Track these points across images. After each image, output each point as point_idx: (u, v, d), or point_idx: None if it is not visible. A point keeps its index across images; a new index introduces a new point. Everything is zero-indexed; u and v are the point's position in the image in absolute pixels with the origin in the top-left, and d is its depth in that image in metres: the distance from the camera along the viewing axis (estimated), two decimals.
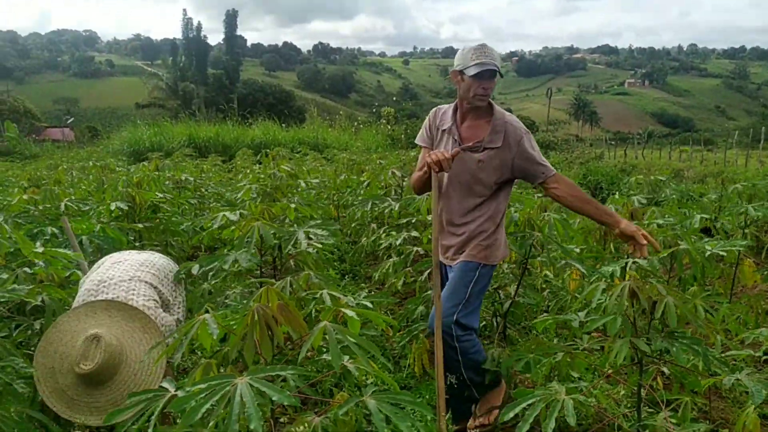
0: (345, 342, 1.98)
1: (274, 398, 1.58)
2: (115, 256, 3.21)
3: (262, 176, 6.21)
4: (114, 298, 2.75)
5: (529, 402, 2.05)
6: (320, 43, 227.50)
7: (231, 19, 72.86)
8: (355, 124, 28.10)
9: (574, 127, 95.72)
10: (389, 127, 25.72)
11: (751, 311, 4.17)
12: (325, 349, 2.37)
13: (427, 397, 3.66)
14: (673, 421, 3.11)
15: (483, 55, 2.82)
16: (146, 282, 2.96)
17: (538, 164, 2.96)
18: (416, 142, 3.30)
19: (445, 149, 2.97)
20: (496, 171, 2.97)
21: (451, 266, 3.13)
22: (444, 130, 3.08)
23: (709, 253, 3.82)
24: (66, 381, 2.44)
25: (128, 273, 2.95)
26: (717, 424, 3.47)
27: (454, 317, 2.90)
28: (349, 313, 2.13)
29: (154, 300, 2.92)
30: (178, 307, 3.17)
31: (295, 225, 3.84)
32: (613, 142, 42.68)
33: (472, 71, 2.82)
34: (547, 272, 4.72)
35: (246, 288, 3.69)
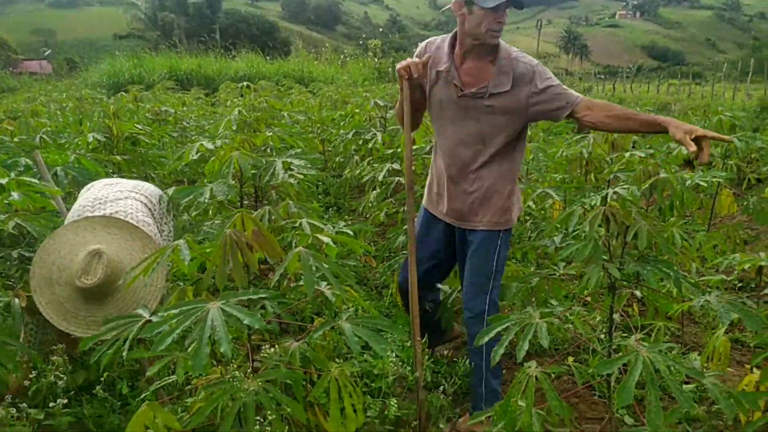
0: (321, 269, 1.99)
1: (245, 321, 1.59)
2: (105, 180, 3.18)
3: (243, 108, 6.10)
4: (113, 213, 2.71)
5: (504, 326, 2.07)
6: None
7: None
8: (342, 56, 27.64)
9: (563, 60, 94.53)
10: (376, 59, 25.31)
11: (729, 240, 4.23)
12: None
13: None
14: (646, 344, 3.19)
15: None
16: (142, 202, 2.94)
17: (558, 95, 2.54)
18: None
19: (443, 94, 2.65)
20: (508, 119, 2.60)
21: (461, 229, 2.81)
22: (439, 72, 2.64)
23: (689, 183, 3.84)
24: (64, 293, 2.44)
25: (123, 193, 2.93)
26: (689, 348, 3.57)
27: (487, 297, 2.70)
28: (325, 239, 2.13)
29: (152, 218, 2.91)
30: (167, 235, 3.15)
31: (276, 156, 3.80)
32: (602, 76, 42.33)
33: (489, 3, 2.40)
34: (530, 203, 4.74)
35: (227, 219, 3.68)
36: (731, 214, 6.10)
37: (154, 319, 1.77)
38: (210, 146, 3.65)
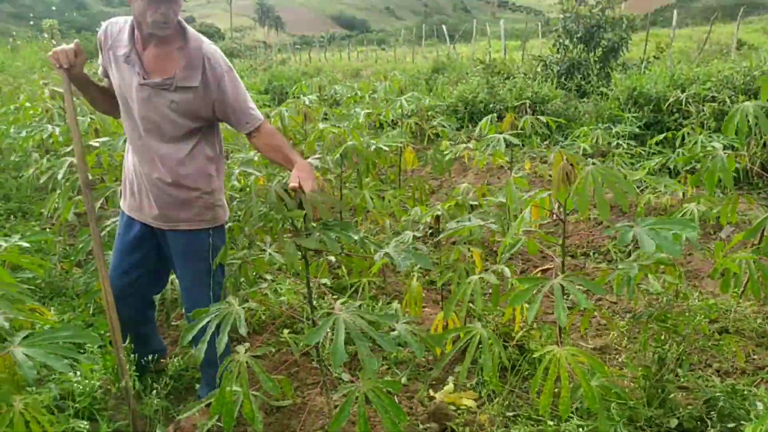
0: None
1: None
2: None
3: None
4: None
5: (206, 321, 2.02)
6: None
7: None
8: (11, 39, 24.27)
9: (260, 33, 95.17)
10: (54, 42, 22.72)
11: (416, 192, 4.70)
12: None
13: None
14: (353, 302, 3.42)
15: None
16: None
17: (242, 113, 2.42)
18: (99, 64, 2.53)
19: (124, 81, 2.36)
20: (195, 114, 2.40)
21: (162, 231, 2.55)
22: (120, 56, 2.35)
23: (374, 147, 4.15)
24: None
25: None
26: (392, 297, 3.91)
27: (212, 303, 2.40)
28: None
29: None
30: None
31: None
32: (298, 47, 43.58)
33: None
34: (234, 182, 4.71)
35: None
36: (418, 168, 6.80)
37: None
38: None
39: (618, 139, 6.61)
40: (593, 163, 2.08)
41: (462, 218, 2.91)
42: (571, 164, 2.13)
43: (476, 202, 3.75)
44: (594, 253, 4.73)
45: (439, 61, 15.46)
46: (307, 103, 5.41)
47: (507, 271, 2.65)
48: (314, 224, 2.09)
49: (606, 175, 2.03)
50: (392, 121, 6.37)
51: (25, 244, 2.61)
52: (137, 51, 2.34)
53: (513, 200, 2.65)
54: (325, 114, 5.68)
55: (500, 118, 6.70)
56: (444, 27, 22.06)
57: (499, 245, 3.44)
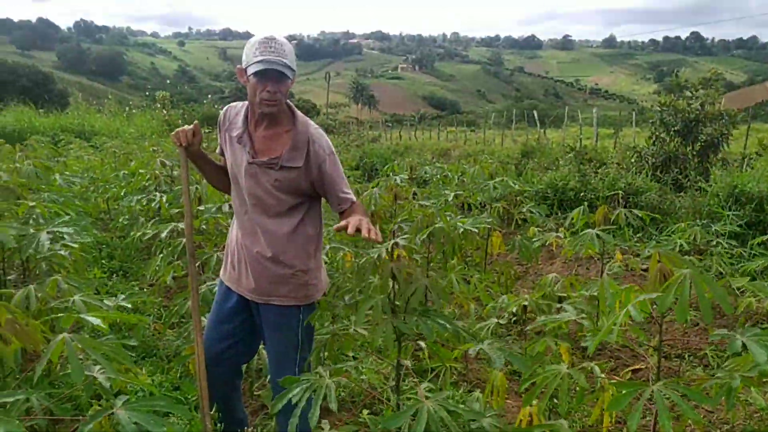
0: (91, 353, 1.85)
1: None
2: None
3: (6, 172, 5.52)
4: None
5: (296, 391, 2.07)
6: (83, 20, 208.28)
7: None
8: (127, 108, 26.30)
9: (354, 110, 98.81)
10: (165, 112, 24.45)
11: (501, 277, 4.66)
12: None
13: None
14: (433, 386, 3.38)
15: (268, 50, 2.31)
16: None
17: (336, 196, 2.52)
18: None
19: (236, 160, 2.53)
20: (296, 191, 2.52)
21: (256, 304, 2.64)
22: (234, 137, 2.53)
23: (462, 229, 4.18)
24: None
25: None
26: (473, 385, 3.83)
27: (296, 369, 2.56)
28: (93, 320, 1.98)
29: None
30: None
31: (45, 223, 3.49)
32: (390, 124, 44.92)
33: (252, 69, 2.31)
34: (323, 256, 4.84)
35: None
36: (504, 253, 6.75)
37: None
38: None
39: (717, 237, 6.35)
40: (691, 261, 2.03)
41: (551, 310, 2.87)
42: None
43: (564, 294, 3.68)
44: (689, 356, 4.49)
45: (529, 145, 15.52)
46: (397, 182, 5.54)
47: (597, 370, 2.57)
48: (415, 308, 2.12)
49: (704, 281, 1.97)
50: (480, 203, 6.40)
51: (128, 305, 2.78)
52: (249, 132, 2.50)
53: (605, 296, 2.59)
54: (415, 193, 5.79)
55: (590, 207, 6.62)
56: (535, 111, 22.23)
57: (587, 340, 3.34)
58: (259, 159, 2.47)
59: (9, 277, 3.61)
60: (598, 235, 4.00)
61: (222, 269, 2.79)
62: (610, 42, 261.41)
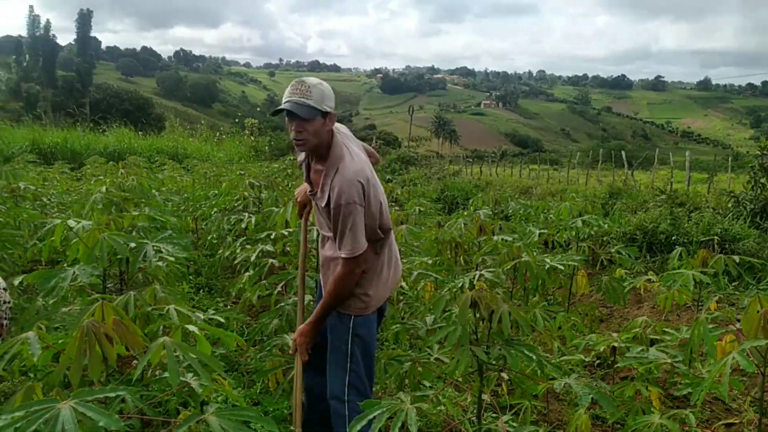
0: (186, 359, 1.91)
1: (100, 423, 1.47)
2: None
3: (110, 186, 5.85)
4: None
5: (375, 414, 2.07)
6: (182, 49, 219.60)
7: (85, 19, 68.38)
8: (218, 134, 27.44)
9: (435, 143, 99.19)
10: (253, 138, 25.35)
11: (586, 318, 4.52)
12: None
13: (286, 411, 3.60)
14: (514, 424, 3.29)
15: (294, 92, 2.46)
16: None
17: (339, 241, 2.58)
18: None
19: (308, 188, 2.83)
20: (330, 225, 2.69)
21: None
22: (301, 165, 2.84)
23: (548, 266, 4.09)
24: None
25: None
26: (554, 426, 3.70)
27: (345, 386, 2.66)
28: (194, 329, 2.04)
29: None
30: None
31: (146, 236, 3.66)
32: (470, 159, 44.74)
33: (272, 109, 2.54)
34: (403, 284, 4.83)
35: (87, 305, 3.46)
36: (587, 293, 6.54)
37: None
38: (74, 225, 3.45)
39: None
40: None
41: (641, 350, 2.75)
42: None
43: (656, 337, 3.52)
44: None
45: (615, 186, 15.09)
46: (481, 215, 5.50)
47: (692, 418, 2.44)
48: (499, 337, 2.09)
49: None
50: (566, 242, 6.26)
51: (221, 319, 2.86)
52: (308, 162, 2.73)
53: (700, 341, 2.47)
54: (500, 227, 5.72)
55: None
56: (623, 152, 21.62)
57: (681, 388, 3.17)
58: (311, 190, 2.73)
59: (108, 285, 3.81)
60: (694, 276, 3.82)
61: None
62: (705, 84, 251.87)
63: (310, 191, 2.74)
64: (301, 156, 2.77)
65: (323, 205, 2.60)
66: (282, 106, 2.44)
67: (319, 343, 2.84)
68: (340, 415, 2.64)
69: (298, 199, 3.03)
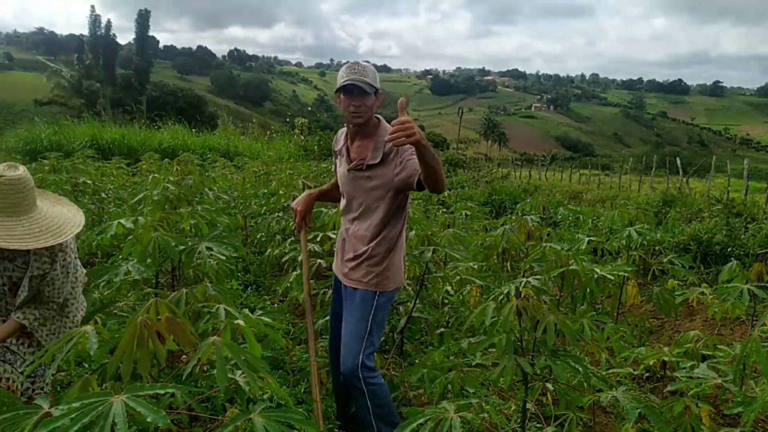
0: (234, 358, 1.95)
1: (148, 419, 1.52)
2: None
3: (165, 183, 6.00)
4: None
5: (419, 422, 2.07)
6: (236, 49, 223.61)
7: (143, 19, 70.16)
8: (269, 132, 27.78)
9: (483, 146, 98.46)
10: (302, 137, 25.58)
11: (635, 329, 4.41)
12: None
13: (330, 409, 3.64)
14: None
15: (353, 72, 2.80)
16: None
17: (413, 166, 2.73)
18: None
19: (341, 170, 3.07)
20: (383, 191, 2.90)
21: (345, 287, 3.07)
22: (337, 152, 3.11)
23: (597, 275, 4.01)
24: None
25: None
26: None
27: (360, 358, 2.86)
28: (243, 323, 2.09)
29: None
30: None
31: (198, 234, 3.74)
32: (519, 163, 44.28)
33: (338, 84, 2.83)
34: (448, 288, 4.81)
35: (141, 299, 3.57)
36: (637, 304, 6.39)
37: (55, 412, 1.67)
38: (129, 225, 3.57)
39: None
40: None
41: (691, 366, 2.68)
42: None
43: (707, 352, 3.42)
44: None
45: (669, 194, 14.71)
46: (529, 221, 5.43)
47: None
48: (544, 347, 2.06)
49: None
50: (616, 251, 6.13)
51: (269, 320, 2.90)
52: (348, 146, 3.03)
53: (754, 357, 2.39)
54: (548, 234, 5.65)
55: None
56: (678, 159, 21.07)
57: (732, 406, 3.08)
58: (353, 164, 2.95)
59: (160, 280, 3.92)
60: (749, 290, 3.70)
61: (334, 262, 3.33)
62: (765, 90, 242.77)
63: (351, 166, 2.94)
64: (341, 143, 3.09)
65: (377, 161, 2.86)
66: (347, 81, 2.77)
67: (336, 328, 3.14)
68: (359, 390, 2.88)
69: (298, 209, 3.17)
